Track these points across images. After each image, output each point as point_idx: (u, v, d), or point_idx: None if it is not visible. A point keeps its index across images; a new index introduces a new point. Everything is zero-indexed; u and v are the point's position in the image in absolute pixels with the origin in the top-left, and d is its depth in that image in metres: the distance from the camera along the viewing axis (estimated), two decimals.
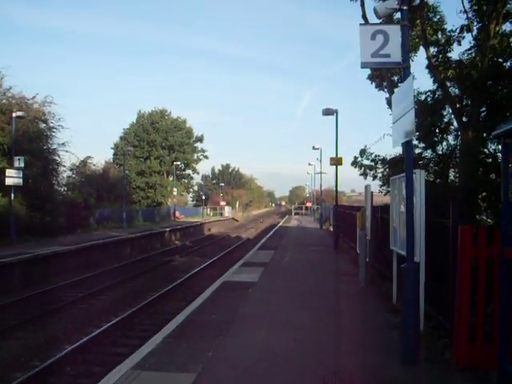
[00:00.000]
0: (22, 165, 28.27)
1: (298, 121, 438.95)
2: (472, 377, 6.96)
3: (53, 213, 34.69)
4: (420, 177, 9.06)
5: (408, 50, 8.00)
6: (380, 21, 11.02)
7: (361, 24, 8.00)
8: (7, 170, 27.56)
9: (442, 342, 8.28)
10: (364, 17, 19.85)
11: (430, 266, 9.22)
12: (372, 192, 15.83)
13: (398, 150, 17.58)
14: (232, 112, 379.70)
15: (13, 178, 27.41)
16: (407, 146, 7.86)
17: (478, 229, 7.46)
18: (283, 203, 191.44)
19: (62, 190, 43.91)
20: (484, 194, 16.29)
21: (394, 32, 7.75)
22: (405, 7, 7.75)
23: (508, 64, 17.05)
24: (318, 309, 11.93)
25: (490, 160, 16.60)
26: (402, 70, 8.01)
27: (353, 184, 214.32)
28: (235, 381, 6.99)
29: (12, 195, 27.67)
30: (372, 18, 18.85)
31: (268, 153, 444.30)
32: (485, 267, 7.21)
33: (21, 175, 28.01)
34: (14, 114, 28.94)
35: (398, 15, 8.76)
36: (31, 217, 31.66)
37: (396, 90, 8.80)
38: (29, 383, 9.65)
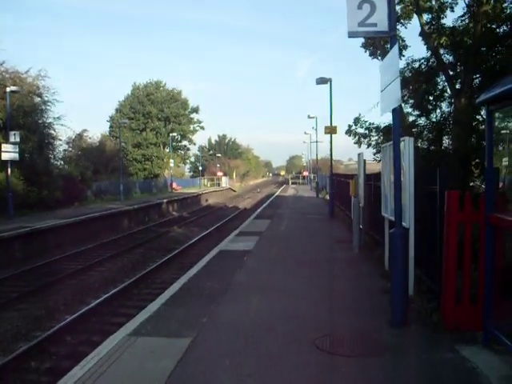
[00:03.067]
0: (18, 139, 28.23)
1: (295, 90, 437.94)
2: (458, 337, 7.14)
3: (50, 186, 34.74)
4: (409, 144, 9.19)
5: (394, 18, 8.07)
6: None
7: None
8: (3, 145, 27.51)
9: (431, 305, 8.49)
10: None
11: (421, 231, 9.40)
12: (365, 160, 15.97)
13: (385, 113, 17.71)
14: (229, 82, 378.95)
15: (9, 152, 27.40)
16: (394, 113, 7.96)
17: (464, 194, 7.61)
18: (281, 173, 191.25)
19: (59, 163, 43.94)
20: (477, 160, 16.41)
21: (381, 1, 7.80)
22: None
23: (501, 30, 17.06)
24: (311, 275, 12.13)
25: (483, 127, 16.67)
26: (389, 39, 8.09)
27: (350, 153, 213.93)
28: (229, 345, 7.18)
29: (9, 170, 27.70)
30: None
31: (265, 123, 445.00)
32: (471, 232, 7.37)
33: (17, 150, 28.00)
34: (7, 89, 28.80)
35: None
36: (28, 191, 31.75)
37: (384, 59, 8.88)
38: (31, 352, 9.85)
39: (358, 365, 6.45)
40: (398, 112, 8.03)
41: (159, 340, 7.43)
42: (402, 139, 8.91)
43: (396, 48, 7.67)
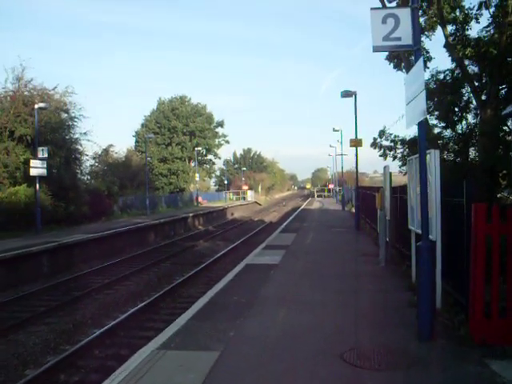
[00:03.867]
0: (46, 155, 28.59)
1: (320, 103, 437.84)
2: (487, 352, 7.08)
3: (77, 201, 35.17)
4: (435, 157, 9.17)
5: (419, 32, 8.10)
6: (395, 3, 11.10)
7: (372, 8, 8.09)
8: (31, 161, 27.93)
9: (459, 318, 8.43)
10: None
11: (448, 244, 9.36)
12: (391, 172, 15.92)
13: (411, 127, 17.68)
14: (254, 96, 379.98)
15: (37, 168, 27.77)
16: (420, 126, 7.97)
17: (491, 206, 7.58)
18: (307, 186, 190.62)
19: (85, 178, 44.45)
20: (504, 171, 16.31)
21: (405, 15, 7.85)
22: None
23: None
24: (338, 289, 12.12)
25: (510, 138, 16.60)
26: (414, 53, 8.12)
27: (375, 165, 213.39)
28: (256, 358, 7.21)
29: (37, 185, 28.04)
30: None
31: (290, 136, 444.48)
32: (498, 244, 7.33)
33: (45, 165, 28.37)
34: (36, 106, 29.25)
35: None
36: (56, 206, 32.09)
37: (409, 72, 8.91)
38: (59, 366, 9.95)
39: (385, 378, 6.44)
40: (423, 125, 8.04)
41: (188, 353, 7.49)
42: (427, 152, 8.89)
43: (421, 61, 7.69)
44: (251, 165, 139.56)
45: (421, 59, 7.72)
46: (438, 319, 8.40)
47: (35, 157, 28.47)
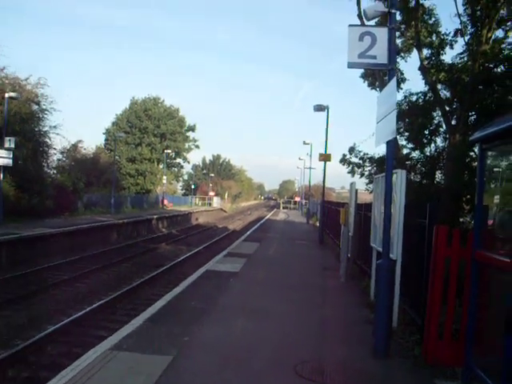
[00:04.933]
0: (13, 145, 28.22)
1: (292, 116, 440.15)
2: (439, 372, 7.17)
3: (41, 195, 34.71)
4: (401, 176, 9.27)
5: (394, 52, 8.19)
6: (374, 22, 11.22)
7: (350, 25, 8.15)
8: None
9: (414, 337, 8.52)
10: (360, 16, 19.86)
11: (408, 264, 9.44)
12: (357, 189, 16.04)
13: (379, 145, 17.86)
14: (226, 104, 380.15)
15: (2, 158, 27.37)
16: (389, 145, 8.04)
17: (453, 230, 7.66)
18: (274, 197, 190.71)
19: (52, 172, 43.81)
20: (468, 196, 16.53)
21: (382, 34, 7.93)
22: (393, 11, 7.94)
23: (498, 70, 17.27)
24: (297, 301, 12.13)
25: (476, 164, 16.81)
26: (388, 72, 8.19)
27: (343, 181, 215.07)
28: (209, 366, 7.17)
29: (1, 175, 27.64)
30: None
31: (260, 146, 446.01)
32: (457, 267, 7.41)
33: (11, 156, 27.95)
34: (6, 95, 28.87)
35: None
36: (19, 198, 31.65)
37: (382, 91, 9.00)
38: (10, 361, 9.78)
39: None
40: (392, 144, 8.12)
41: (140, 356, 7.41)
42: (394, 171, 8.97)
43: (394, 81, 7.77)
44: (219, 171, 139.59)
45: (394, 79, 7.80)
46: (393, 337, 8.45)
47: (1, 146, 28.06)
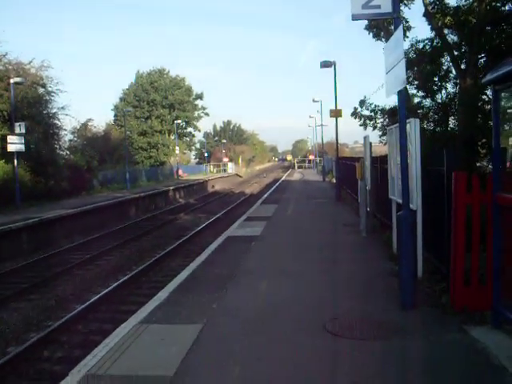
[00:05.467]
0: (23, 131, 28.23)
1: (300, 75, 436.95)
2: (467, 318, 7.15)
3: (56, 177, 34.85)
4: (415, 125, 9.16)
5: (398, 0, 8.01)
6: None
7: None
8: (9, 137, 27.54)
9: (440, 286, 8.50)
10: None
11: (428, 213, 9.39)
12: (371, 142, 15.92)
13: (390, 95, 17.68)
14: (232, 69, 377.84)
15: (15, 144, 27.41)
16: (400, 95, 7.94)
17: (472, 175, 7.58)
18: (288, 158, 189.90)
19: (65, 153, 43.85)
20: (483, 140, 16.36)
21: None
22: None
23: (506, 8, 16.94)
24: (320, 260, 12.15)
25: (489, 106, 16.60)
26: (393, 21, 8.03)
27: (355, 135, 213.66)
28: (239, 330, 7.22)
29: (15, 161, 27.73)
30: None
31: (270, 108, 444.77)
32: (479, 213, 7.35)
33: (23, 141, 27.99)
34: (11, 80, 28.76)
35: None
36: (35, 182, 31.80)
37: (388, 41, 8.85)
38: (43, 342, 9.93)
39: (368, 348, 6.47)
40: (403, 94, 8.00)
41: (170, 327, 7.48)
42: (407, 121, 8.87)
43: (400, 29, 7.63)
44: (231, 137, 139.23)
45: (400, 27, 7.65)
46: (419, 288, 8.45)
47: (12, 132, 28.09)
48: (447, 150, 8.59)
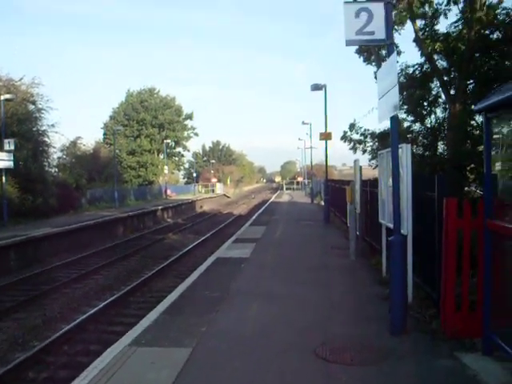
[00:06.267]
0: (13, 147, 28.19)
1: (288, 96, 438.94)
2: (458, 345, 7.15)
3: (44, 194, 34.72)
4: (406, 151, 9.22)
5: (392, 26, 8.08)
6: None
7: (345, 2, 8.06)
8: None
9: (430, 312, 8.50)
10: None
11: (418, 238, 9.40)
12: (361, 166, 15.98)
13: (387, 124, 17.71)
14: (221, 89, 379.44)
15: (3, 161, 27.35)
16: (392, 121, 7.99)
17: (463, 201, 7.62)
18: (276, 179, 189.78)
19: (53, 171, 43.88)
20: (472, 165, 16.47)
21: (378, 9, 7.83)
22: None
23: (494, 36, 17.13)
24: (309, 282, 12.12)
25: (478, 132, 16.73)
26: (387, 47, 8.10)
27: (344, 158, 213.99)
28: (229, 354, 7.18)
29: (3, 178, 27.62)
30: None
31: (258, 129, 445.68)
32: (469, 239, 7.38)
33: (12, 158, 27.95)
34: (1, 97, 28.77)
35: None
36: (23, 199, 31.69)
37: (382, 65, 8.92)
38: (28, 363, 9.80)
39: (359, 373, 6.45)
40: (396, 119, 8.06)
41: (160, 350, 7.42)
42: (399, 146, 8.92)
43: (394, 56, 7.71)
44: (220, 157, 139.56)
45: (394, 54, 7.73)
46: (409, 313, 8.43)
47: (1, 149, 28.01)
48: (438, 175, 8.65)
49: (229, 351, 7.28)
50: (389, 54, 7.93)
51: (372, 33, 7.88)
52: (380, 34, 7.85)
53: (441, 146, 19.80)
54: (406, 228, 9.12)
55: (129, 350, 7.39)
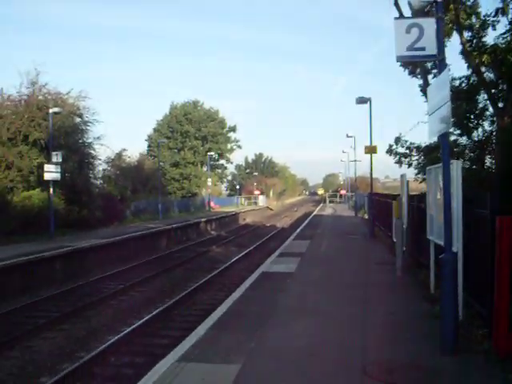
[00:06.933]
0: (60, 159, 28.58)
1: (332, 108, 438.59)
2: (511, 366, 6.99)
3: (90, 206, 35.17)
4: (457, 167, 9.09)
5: (443, 42, 8.01)
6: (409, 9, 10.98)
7: (395, 18, 8.04)
8: (46, 166, 27.92)
9: (482, 331, 8.32)
10: (396, 4, 19.52)
11: (468, 256, 9.25)
12: (408, 181, 15.83)
13: (433, 138, 17.57)
14: (266, 101, 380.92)
15: (51, 172, 27.75)
16: (443, 138, 7.90)
17: None
18: (319, 191, 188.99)
19: (98, 183, 44.39)
20: None
21: (429, 25, 7.78)
22: (439, 0, 7.78)
23: None
24: (356, 299, 12.01)
25: None
26: (438, 63, 8.02)
27: (386, 170, 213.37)
28: (278, 371, 7.15)
29: (51, 190, 28.07)
30: (404, 6, 18.69)
31: (301, 141, 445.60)
32: None
33: (59, 170, 28.35)
34: (50, 110, 29.24)
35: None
36: (69, 210, 32.13)
37: (432, 81, 8.84)
38: (75, 374, 9.90)
39: None
40: (446, 136, 7.98)
41: (209, 366, 7.43)
42: (450, 162, 8.81)
43: (446, 71, 7.62)
44: (263, 169, 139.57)
45: (446, 70, 7.65)
46: (460, 332, 8.28)
47: (49, 161, 28.49)
48: (491, 192, 8.51)
49: (278, 369, 7.25)
50: (440, 71, 7.84)
51: (423, 48, 7.82)
52: (431, 50, 7.79)
53: (488, 160, 19.55)
54: (456, 245, 8.98)
55: (178, 366, 7.41)
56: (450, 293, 7.74)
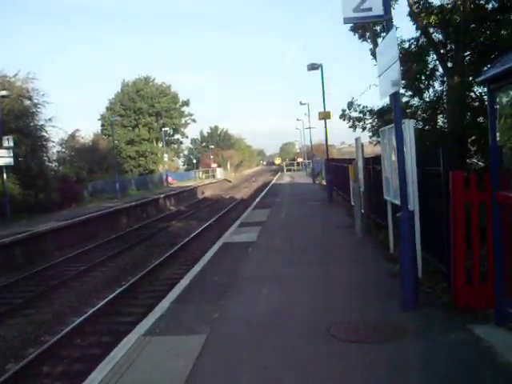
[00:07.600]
0: (12, 144, 28.15)
1: (285, 77, 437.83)
2: (471, 317, 7.15)
3: (46, 189, 34.74)
4: (409, 126, 9.17)
5: (389, 2, 8.02)
6: None
7: None
8: None
9: (441, 286, 8.50)
10: None
11: (424, 213, 9.40)
12: (363, 144, 15.96)
13: (386, 100, 17.62)
14: (216, 73, 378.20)
15: (3, 157, 27.32)
16: (394, 97, 7.95)
17: (469, 174, 7.60)
18: (276, 161, 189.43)
19: (53, 165, 43.85)
20: (473, 137, 16.41)
21: None
22: None
23: (490, 6, 17.01)
24: (318, 262, 12.14)
25: (477, 104, 16.68)
26: (385, 23, 8.05)
27: (342, 136, 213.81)
28: (244, 339, 7.19)
29: (4, 175, 27.61)
30: None
31: (256, 111, 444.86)
32: (477, 211, 7.34)
33: (11, 154, 27.92)
34: None
35: None
36: (25, 195, 31.74)
37: (380, 42, 8.85)
38: (42, 358, 9.83)
39: (375, 351, 6.46)
40: (397, 95, 8.02)
41: (174, 338, 7.45)
42: (402, 122, 8.88)
43: (393, 31, 7.64)
44: (219, 142, 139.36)
45: (393, 29, 7.66)
46: (420, 288, 8.43)
47: (0, 146, 27.96)
48: (443, 149, 8.60)
49: (243, 337, 7.29)
50: (387, 30, 7.87)
51: (369, 9, 7.80)
52: (378, 10, 7.77)
53: (440, 120, 19.73)
54: (413, 204, 9.10)
55: (144, 340, 7.40)
56: (409, 250, 7.84)
